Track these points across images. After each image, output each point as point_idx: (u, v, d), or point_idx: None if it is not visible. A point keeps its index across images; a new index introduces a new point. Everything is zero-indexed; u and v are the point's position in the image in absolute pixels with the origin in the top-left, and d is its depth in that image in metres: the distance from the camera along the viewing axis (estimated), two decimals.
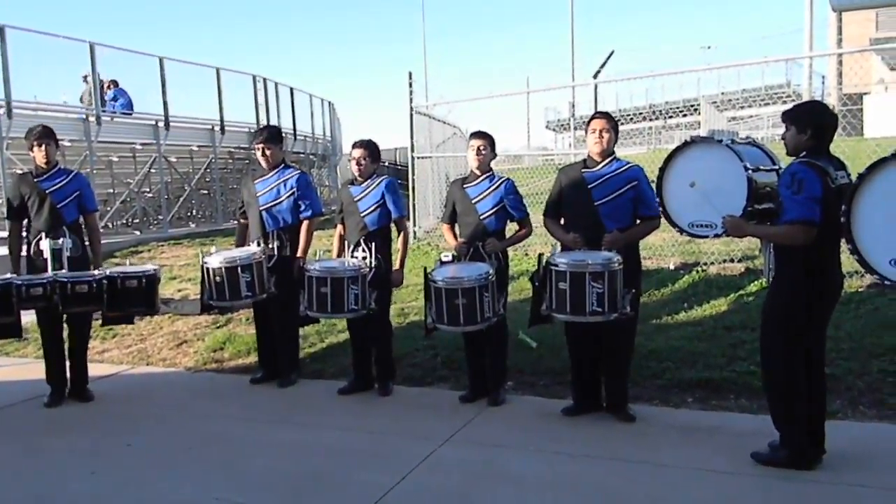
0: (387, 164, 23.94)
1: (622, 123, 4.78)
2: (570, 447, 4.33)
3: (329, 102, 22.95)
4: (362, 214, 5.32)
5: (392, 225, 5.45)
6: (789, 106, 3.92)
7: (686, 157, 4.19)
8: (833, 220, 3.48)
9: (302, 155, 19.28)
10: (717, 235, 4.03)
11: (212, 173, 15.50)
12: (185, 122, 14.51)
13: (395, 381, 5.54)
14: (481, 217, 5.06)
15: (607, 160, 4.68)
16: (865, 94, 28.15)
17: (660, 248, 8.57)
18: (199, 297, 5.79)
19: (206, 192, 16.53)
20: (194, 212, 16.63)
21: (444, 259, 5.07)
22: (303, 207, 5.63)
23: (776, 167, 4.04)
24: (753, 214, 3.87)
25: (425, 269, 4.98)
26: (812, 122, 3.70)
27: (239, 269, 5.26)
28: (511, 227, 5.27)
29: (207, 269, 5.33)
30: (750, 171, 3.83)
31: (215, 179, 15.64)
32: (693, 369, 5.34)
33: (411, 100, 12.17)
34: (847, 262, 3.74)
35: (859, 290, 6.35)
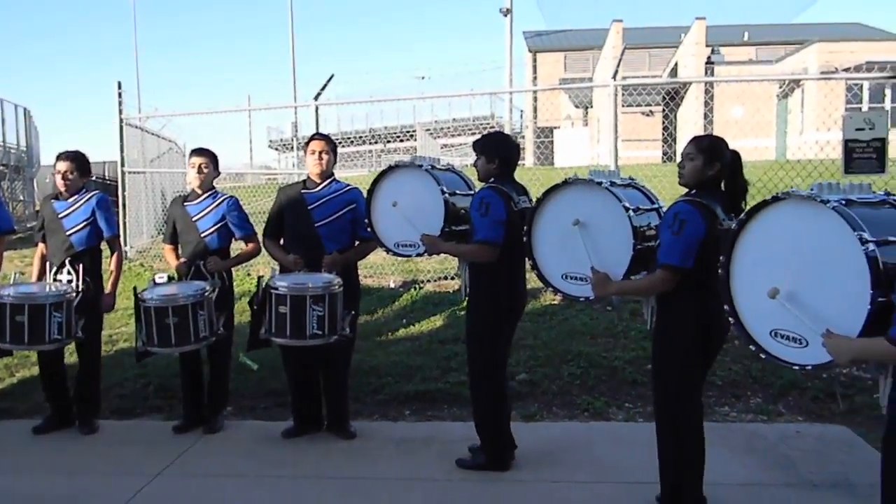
0: (94, 178, 21.97)
1: (343, 146, 4.88)
2: (291, 470, 4.29)
3: (25, 109, 20.59)
4: (68, 233, 4.82)
5: (101, 245, 5.01)
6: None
7: (392, 180, 4.39)
8: (517, 240, 3.86)
9: None
10: (419, 254, 4.28)
11: None
12: None
13: (99, 415, 5.06)
14: (202, 235, 4.86)
15: (327, 182, 4.74)
16: (556, 127, 31.64)
17: (381, 267, 8.86)
18: None
19: None
20: None
21: (157, 280, 4.77)
22: None
23: (471, 192, 4.38)
24: (451, 235, 4.16)
25: (135, 288, 4.65)
26: (499, 153, 4.07)
27: None
28: (237, 247, 5.12)
29: None
30: (447, 195, 4.13)
31: None
32: (411, 383, 5.58)
33: (121, 111, 11.35)
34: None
35: (552, 303, 7.08)
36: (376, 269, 8.79)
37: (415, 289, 8.17)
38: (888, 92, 22.72)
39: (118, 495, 3.96)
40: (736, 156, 3.39)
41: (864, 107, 20.65)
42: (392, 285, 8.46)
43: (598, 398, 5.27)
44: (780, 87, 24.38)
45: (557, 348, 6.06)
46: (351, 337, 4.57)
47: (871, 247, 2.43)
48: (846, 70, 18.49)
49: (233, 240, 5.04)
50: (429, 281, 8.41)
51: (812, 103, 21.72)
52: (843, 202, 2.60)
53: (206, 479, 4.20)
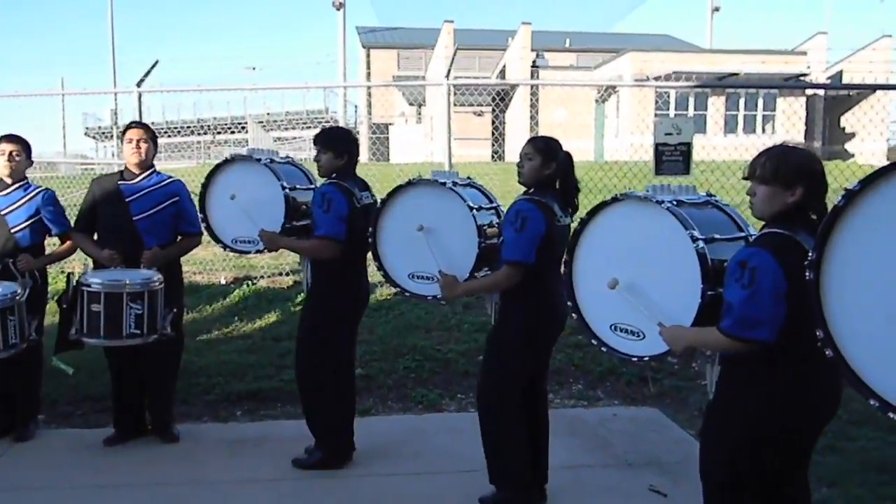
0: None
1: (169, 136, 4.63)
2: (112, 478, 4.05)
3: None
4: None
5: None
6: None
7: (228, 173, 4.27)
8: (360, 237, 3.88)
9: None
10: (258, 251, 4.19)
11: None
12: None
13: None
14: (12, 230, 4.44)
15: (147, 173, 4.48)
16: (391, 124, 31.87)
17: (211, 263, 8.55)
18: None
19: None
20: None
21: None
22: None
23: (312, 185, 4.34)
24: (292, 230, 4.10)
25: None
26: (347, 148, 4.07)
27: None
28: (50, 243, 4.73)
29: None
30: (287, 190, 4.07)
31: None
32: (242, 382, 5.44)
33: None
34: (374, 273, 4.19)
35: (388, 297, 7.15)
36: (206, 265, 8.47)
37: (247, 285, 7.95)
38: (692, 100, 24.88)
39: None
40: (568, 156, 3.57)
41: (672, 113, 22.51)
42: (223, 282, 8.18)
43: (432, 390, 5.39)
44: (599, 93, 26.01)
45: (393, 342, 6.13)
46: (173, 336, 4.34)
47: (701, 244, 2.63)
48: (657, 79, 20.02)
49: (47, 236, 4.66)
50: (262, 277, 8.21)
51: (626, 108, 23.36)
52: (675, 203, 2.81)
53: (16, 493, 3.88)
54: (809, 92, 26.55)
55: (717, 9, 39.23)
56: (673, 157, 6.43)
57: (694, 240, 2.63)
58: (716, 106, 24.85)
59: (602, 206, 3.02)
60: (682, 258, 2.66)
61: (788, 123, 24.42)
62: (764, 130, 25.93)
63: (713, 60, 25.93)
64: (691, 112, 24.03)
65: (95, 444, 4.46)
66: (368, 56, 38.24)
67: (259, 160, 4.17)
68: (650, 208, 2.83)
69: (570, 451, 4.38)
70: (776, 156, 2.49)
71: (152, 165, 4.55)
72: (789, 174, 2.43)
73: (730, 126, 25.40)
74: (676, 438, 4.63)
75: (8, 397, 4.57)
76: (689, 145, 6.46)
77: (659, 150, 6.44)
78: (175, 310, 4.37)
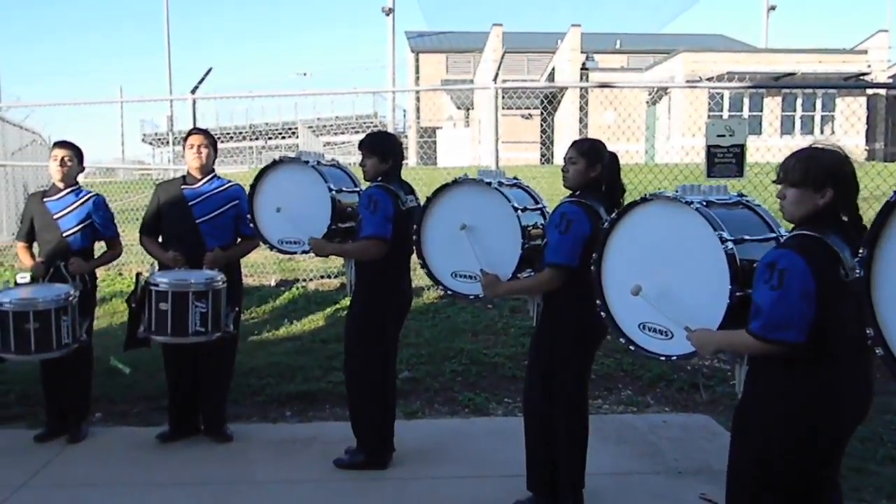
0: None
1: (223, 141, 4.76)
2: (163, 476, 4.14)
3: None
4: None
5: None
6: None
7: (275, 176, 4.32)
8: (404, 239, 3.90)
9: None
10: (304, 252, 4.24)
11: None
12: None
13: None
14: (64, 234, 4.59)
15: (208, 177, 4.61)
16: (438, 128, 31.96)
17: (261, 266, 8.68)
18: None
19: None
20: None
21: (20, 280, 4.47)
22: None
23: (357, 188, 4.38)
24: (337, 232, 4.14)
25: None
26: (391, 153, 4.10)
27: None
28: (100, 246, 4.88)
29: None
30: (333, 192, 4.11)
31: None
32: (292, 383, 5.51)
33: None
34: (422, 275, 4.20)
35: (435, 300, 7.17)
36: (256, 268, 8.61)
37: (297, 288, 8.06)
38: (746, 101, 24.37)
39: None
40: (614, 158, 3.55)
41: (725, 114, 22.08)
42: (272, 284, 8.30)
43: (479, 394, 5.38)
44: (650, 95, 25.67)
45: (440, 345, 6.14)
46: (234, 334, 4.48)
47: (730, 245, 2.60)
48: (709, 79, 19.67)
49: (96, 240, 4.80)
50: (310, 279, 8.31)
51: (678, 110, 22.99)
52: (705, 203, 2.78)
53: (74, 489, 3.99)
54: (870, 91, 25.77)
55: (772, 7, 38.30)
56: (725, 159, 6.32)
57: (723, 241, 2.61)
58: (770, 107, 24.31)
59: (631, 205, 3.01)
60: (711, 259, 2.63)
61: (847, 124, 23.72)
62: (822, 131, 25.25)
63: (769, 60, 25.38)
64: (746, 113, 23.56)
65: (149, 442, 4.57)
66: (417, 60, 38.44)
67: (307, 162, 4.22)
68: (679, 208, 2.81)
69: (618, 458, 4.33)
70: (805, 158, 2.47)
71: (213, 170, 4.66)
72: (819, 176, 2.42)
73: (786, 127, 24.82)
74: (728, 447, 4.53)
75: (59, 397, 4.69)
76: (742, 147, 6.34)
77: (711, 152, 6.33)
78: (237, 308, 4.48)
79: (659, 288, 2.84)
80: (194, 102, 8.80)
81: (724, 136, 6.35)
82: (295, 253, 4.33)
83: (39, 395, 4.86)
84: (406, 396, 5.29)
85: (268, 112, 34.64)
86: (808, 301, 2.30)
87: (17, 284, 4.44)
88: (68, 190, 4.67)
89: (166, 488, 4.01)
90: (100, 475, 4.16)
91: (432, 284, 4.00)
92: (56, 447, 4.52)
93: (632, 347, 3.01)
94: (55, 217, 4.61)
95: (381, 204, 3.91)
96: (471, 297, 3.80)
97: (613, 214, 3.09)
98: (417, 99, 30.96)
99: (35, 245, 4.74)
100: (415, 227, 3.86)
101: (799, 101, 25.40)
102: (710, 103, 12.64)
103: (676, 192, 2.87)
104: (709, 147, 6.33)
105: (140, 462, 4.33)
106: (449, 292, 3.88)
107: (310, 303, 7.57)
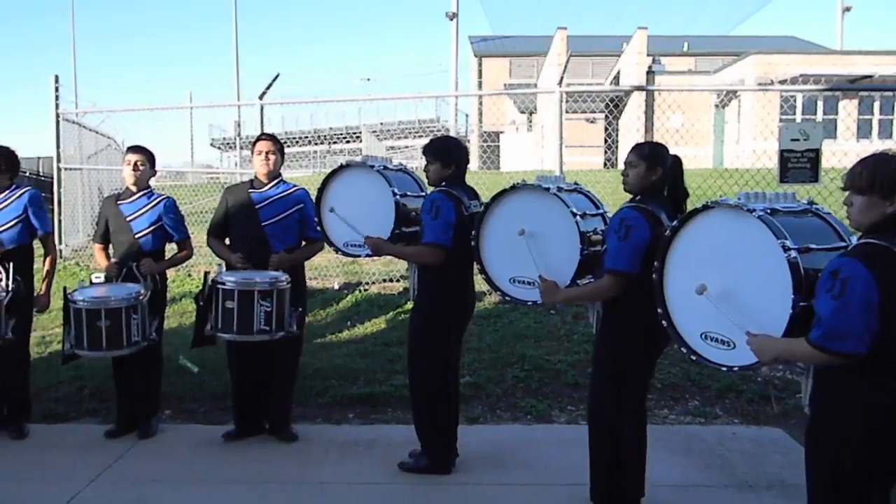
0: (28, 174, 21.26)
1: (288, 146, 4.84)
2: (229, 474, 4.21)
3: None
4: None
5: (34, 243, 4.84)
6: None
7: (342, 180, 4.36)
8: (468, 244, 3.87)
9: None
10: (368, 255, 4.26)
11: None
12: None
13: (30, 418, 4.88)
14: (136, 236, 4.73)
15: (274, 182, 4.69)
16: (501, 132, 31.88)
17: (325, 269, 8.79)
18: None
19: None
20: None
21: (94, 280, 4.63)
22: None
23: (422, 193, 4.37)
24: (402, 236, 4.15)
25: (65, 289, 4.50)
26: (455, 158, 4.09)
27: None
28: (170, 248, 5.01)
29: None
30: (398, 197, 4.11)
31: None
32: (355, 385, 5.54)
33: (57, 105, 11.03)
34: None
35: (496, 305, 7.12)
36: (320, 271, 8.71)
37: (359, 291, 8.13)
38: (820, 104, 23.58)
39: (52, 501, 3.84)
40: (677, 161, 3.47)
41: (798, 118, 21.41)
42: (336, 287, 8.39)
43: (542, 401, 5.31)
44: (718, 98, 25.08)
45: (502, 351, 6.09)
46: (298, 334, 4.55)
47: (794, 254, 2.55)
48: (782, 82, 19.12)
49: (167, 242, 4.92)
50: (373, 283, 8.37)
51: (748, 114, 22.40)
52: (768, 211, 2.72)
53: (143, 484, 4.09)
54: None
55: (847, 8, 37.02)
56: (800, 164, 6.12)
57: (786, 249, 2.55)
58: (847, 110, 23.44)
59: (693, 213, 2.97)
60: (774, 268, 2.58)
61: None
62: None
63: (844, 62, 24.49)
64: (820, 117, 22.81)
65: (215, 439, 4.66)
66: (480, 65, 38.45)
67: (373, 167, 4.25)
68: (742, 216, 2.77)
69: (685, 470, 4.21)
70: (873, 165, 2.40)
71: (279, 174, 4.74)
72: (886, 183, 2.35)
73: (863, 131, 23.90)
74: (802, 461, 4.36)
75: (129, 394, 4.83)
76: (817, 152, 6.14)
77: (784, 156, 6.15)
78: (300, 309, 4.55)
79: (721, 296, 2.79)
80: (262, 108, 8.97)
81: (798, 140, 6.16)
82: (359, 256, 4.37)
83: (112, 391, 5.01)
84: (467, 402, 5.26)
85: (331, 117, 35.16)
86: (870, 311, 2.25)
87: (91, 284, 4.60)
88: (141, 193, 4.81)
89: (232, 486, 4.07)
90: (168, 472, 4.25)
91: (486, 285, 3.96)
92: (127, 443, 4.65)
93: (693, 357, 2.98)
94: (128, 219, 4.75)
95: (443, 210, 3.90)
96: (529, 303, 3.76)
97: (675, 222, 3.04)
98: (480, 103, 30.95)
99: (110, 247, 4.90)
100: (473, 233, 3.83)
101: (877, 105, 24.44)
102: (783, 106, 12.23)
103: (739, 199, 2.82)
104: (782, 152, 6.15)
105: (207, 459, 4.42)
106: (507, 298, 3.85)
107: (372, 306, 7.62)
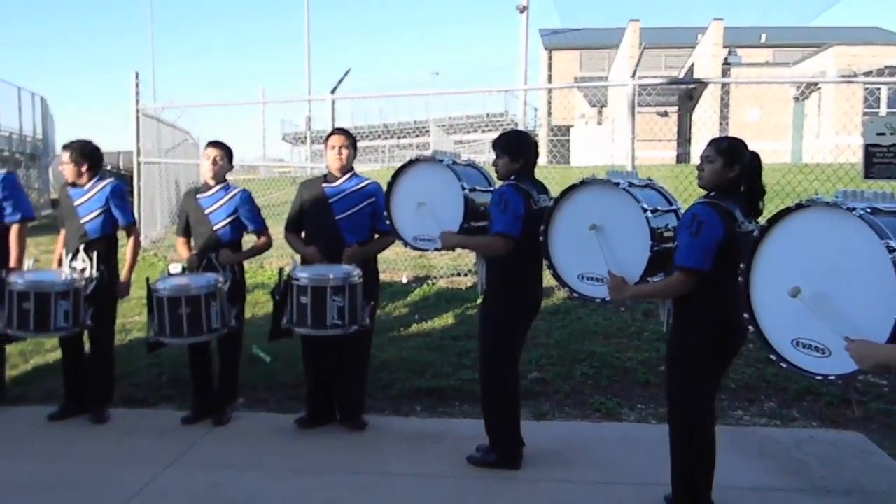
0: (110, 167, 22.17)
1: (358, 140, 4.89)
2: (300, 463, 4.29)
3: (41, 97, 20.74)
4: (83, 220, 4.84)
5: (118, 233, 5.04)
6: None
7: (411, 174, 4.38)
8: (535, 238, 3.84)
9: (6, 153, 17.17)
10: (437, 249, 4.28)
11: None
12: None
13: (112, 403, 5.08)
14: (214, 228, 4.88)
15: (347, 175, 4.76)
16: (570, 126, 31.54)
17: (394, 262, 8.86)
18: None
19: None
20: None
21: (172, 271, 4.79)
22: (9, 210, 5.00)
23: (491, 188, 4.36)
24: (470, 231, 4.15)
25: (147, 279, 4.67)
26: (524, 153, 4.07)
27: None
28: (249, 239, 5.14)
29: None
30: (467, 191, 4.12)
31: None
32: (422, 378, 5.58)
33: (137, 101, 11.42)
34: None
35: (566, 301, 7.06)
36: (389, 264, 8.79)
37: (427, 284, 8.17)
38: None
39: (130, 484, 3.98)
40: (755, 157, 3.36)
41: (883, 111, 20.51)
42: (405, 280, 8.46)
43: (611, 399, 5.24)
44: (798, 90, 24.23)
45: (570, 347, 6.04)
46: (370, 328, 4.61)
47: None
48: (866, 74, 18.34)
49: (244, 233, 5.05)
50: (442, 277, 8.40)
51: (830, 107, 21.57)
52: (869, 210, 2.57)
53: (217, 470, 4.21)
54: None
55: None
56: (886, 158, 5.87)
57: (890, 250, 2.40)
58: None
59: (785, 212, 2.81)
60: (877, 270, 2.43)
61: None
62: None
63: None
64: None
65: (288, 428, 4.76)
66: (550, 58, 38.05)
67: (441, 161, 4.26)
68: (839, 215, 2.61)
69: (760, 473, 4.10)
70: None
71: (352, 168, 4.81)
72: None
73: None
74: (883, 466, 4.20)
75: (205, 381, 4.98)
76: None
77: (869, 151, 5.91)
78: (372, 303, 4.62)
79: (817, 299, 2.65)
80: (333, 102, 9.10)
81: (884, 134, 5.91)
82: (428, 250, 4.39)
83: (188, 378, 5.17)
84: (535, 398, 5.24)
85: (400, 111, 35.43)
86: None
87: (170, 274, 4.76)
88: (218, 186, 4.95)
89: (302, 475, 4.15)
90: (241, 459, 4.36)
91: (554, 281, 3.92)
92: (202, 429, 4.79)
93: (784, 365, 2.82)
94: (206, 212, 4.90)
95: (511, 203, 3.88)
96: (597, 299, 3.71)
97: (764, 222, 2.91)
98: (549, 97, 30.70)
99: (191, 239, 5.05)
100: (542, 228, 3.80)
101: None
102: (867, 99, 11.71)
103: (836, 197, 2.66)
104: (867, 146, 5.90)
105: (278, 447, 4.52)
106: (575, 294, 3.80)
107: (440, 300, 7.65)
